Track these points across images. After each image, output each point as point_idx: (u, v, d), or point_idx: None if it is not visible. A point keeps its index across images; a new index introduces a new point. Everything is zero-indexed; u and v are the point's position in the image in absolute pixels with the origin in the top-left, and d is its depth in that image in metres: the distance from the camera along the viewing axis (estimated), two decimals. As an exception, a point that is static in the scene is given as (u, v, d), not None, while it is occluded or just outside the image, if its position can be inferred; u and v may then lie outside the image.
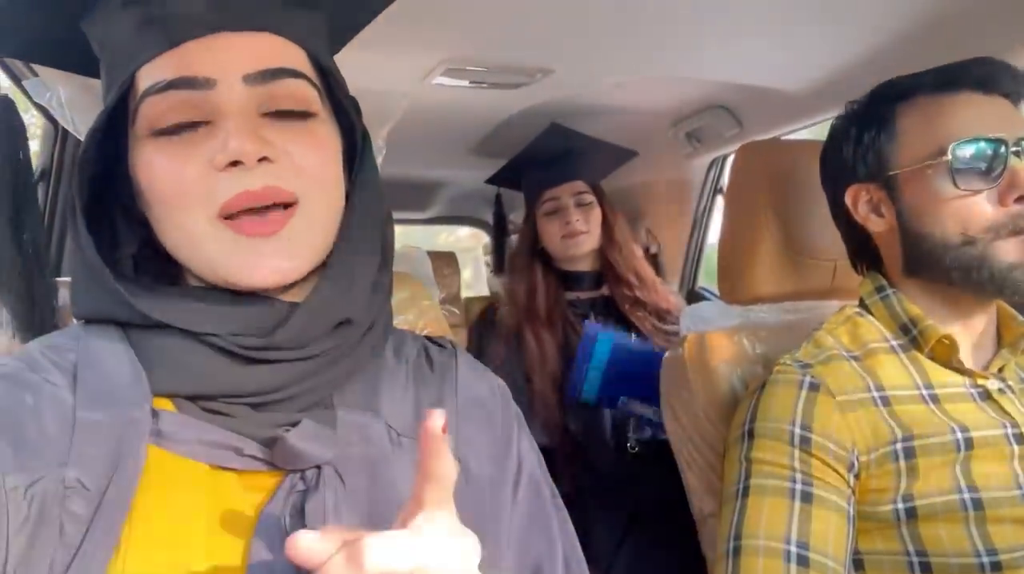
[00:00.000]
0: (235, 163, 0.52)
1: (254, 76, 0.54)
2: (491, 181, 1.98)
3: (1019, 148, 0.82)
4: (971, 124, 0.84)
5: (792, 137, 1.83)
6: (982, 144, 0.83)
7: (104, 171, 0.58)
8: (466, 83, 1.61)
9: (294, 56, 0.57)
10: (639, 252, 1.85)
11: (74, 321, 0.60)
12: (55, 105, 0.88)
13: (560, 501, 0.67)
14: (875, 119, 0.91)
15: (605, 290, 1.81)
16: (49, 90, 0.90)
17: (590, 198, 1.78)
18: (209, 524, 0.51)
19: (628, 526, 1.54)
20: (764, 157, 1.20)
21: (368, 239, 0.61)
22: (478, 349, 1.87)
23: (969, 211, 0.83)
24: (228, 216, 0.53)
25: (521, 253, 1.84)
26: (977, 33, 1.23)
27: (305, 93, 0.57)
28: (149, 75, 0.54)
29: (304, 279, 0.58)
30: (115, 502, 0.48)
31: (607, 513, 1.56)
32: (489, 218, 4.02)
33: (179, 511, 0.51)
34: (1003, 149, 0.82)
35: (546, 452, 0.70)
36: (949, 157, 0.83)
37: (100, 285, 0.55)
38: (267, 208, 0.54)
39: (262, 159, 0.53)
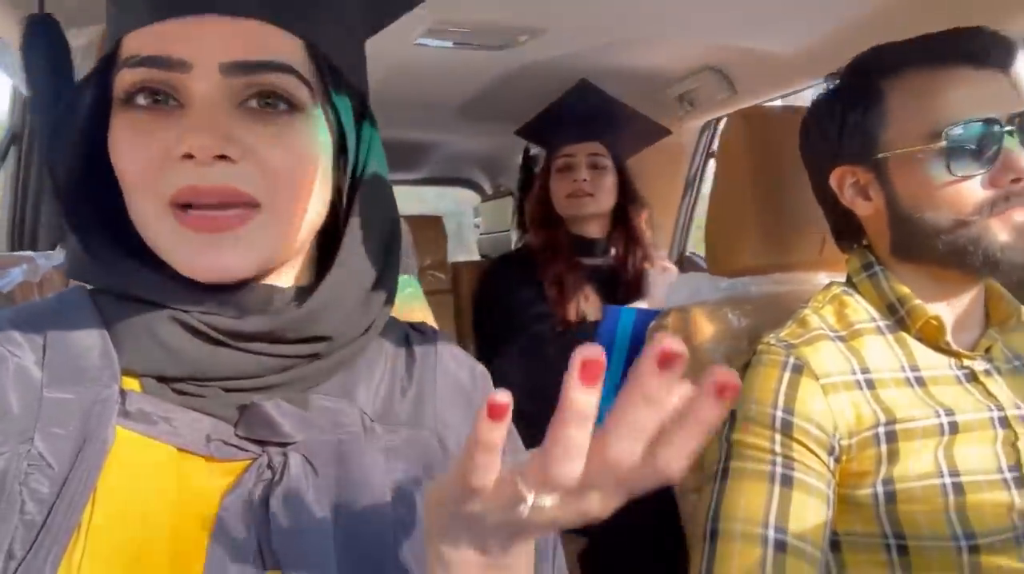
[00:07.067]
0: (189, 156, 0.50)
1: (232, 66, 0.51)
2: (519, 133, 1.91)
3: (1012, 127, 0.79)
4: (964, 104, 0.80)
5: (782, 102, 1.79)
6: (976, 126, 0.79)
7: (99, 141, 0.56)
8: (450, 44, 1.57)
9: (285, 47, 0.53)
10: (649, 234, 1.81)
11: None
12: (12, 67, 0.85)
13: None
14: (861, 96, 0.87)
15: (611, 258, 1.77)
16: (7, 52, 0.86)
17: (605, 162, 1.73)
18: (174, 506, 0.50)
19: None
20: (754, 125, 1.16)
21: (366, 251, 0.58)
22: (478, 310, 1.85)
23: (962, 195, 0.80)
24: (179, 206, 0.51)
25: (538, 210, 1.79)
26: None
27: (288, 88, 0.53)
28: (130, 46, 0.52)
29: (287, 264, 0.56)
30: (79, 482, 0.48)
31: None
32: (480, 180, 3.99)
33: (144, 493, 0.50)
34: (997, 129, 0.78)
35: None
36: (944, 142, 0.79)
37: (91, 248, 0.54)
38: (227, 206, 0.51)
39: (220, 157, 0.50)
